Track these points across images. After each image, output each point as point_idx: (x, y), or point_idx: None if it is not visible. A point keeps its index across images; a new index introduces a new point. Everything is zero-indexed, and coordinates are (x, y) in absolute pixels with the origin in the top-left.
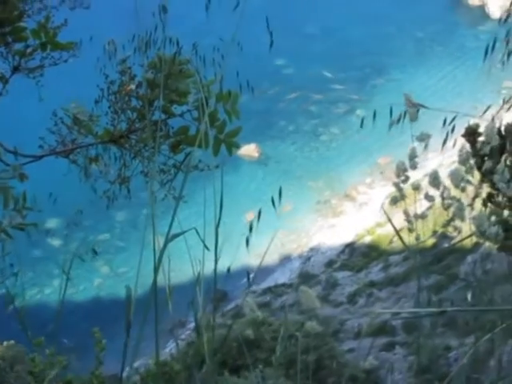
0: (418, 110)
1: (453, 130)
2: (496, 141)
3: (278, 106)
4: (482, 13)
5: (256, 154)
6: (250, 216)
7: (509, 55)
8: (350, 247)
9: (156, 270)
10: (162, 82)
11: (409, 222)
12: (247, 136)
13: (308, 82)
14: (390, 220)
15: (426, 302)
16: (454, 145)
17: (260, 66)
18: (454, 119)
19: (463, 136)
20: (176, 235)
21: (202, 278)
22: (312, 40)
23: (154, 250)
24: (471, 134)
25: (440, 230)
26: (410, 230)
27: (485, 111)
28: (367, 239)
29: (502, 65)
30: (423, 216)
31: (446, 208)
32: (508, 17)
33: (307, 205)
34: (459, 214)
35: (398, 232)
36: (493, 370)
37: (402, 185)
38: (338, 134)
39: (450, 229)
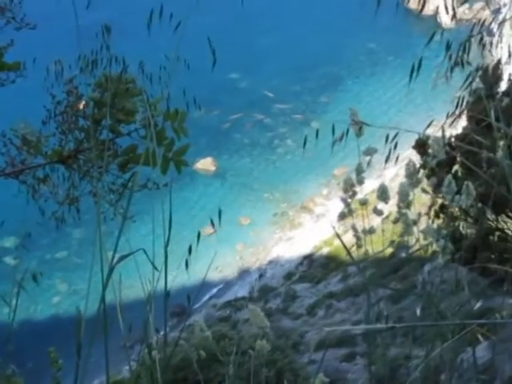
0: (360, 128)
1: (395, 146)
2: (443, 154)
3: (233, 119)
4: (434, 22)
5: (213, 168)
6: (208, 231)
7: (452, 70)
8: (309, 259)
9: (103, 289)
10: (108, 101)
11: (357, 238)
12: (203, 150)
13: (262, 96)
14: (338, 236)
15: (379, 316)
16: (397, 160)
17: (214, 82)
18: (396, 136)
19: (413, 148)
20: (124, 256)
21: (153, 298)
22: (266, 53)
23: (102, 272)
24: (421, 145)
25: (397, 240)
26: (359, 246)
27: (427, 126)
28: (325, 250)
29: (446, 79)
30: (371, 231)
31: (395, 222)
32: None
33: (265, 217)
34: (407, 229)
35: (346, 248)
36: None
37: (349, 200)
38: (293, 146)
39: (407, 238)
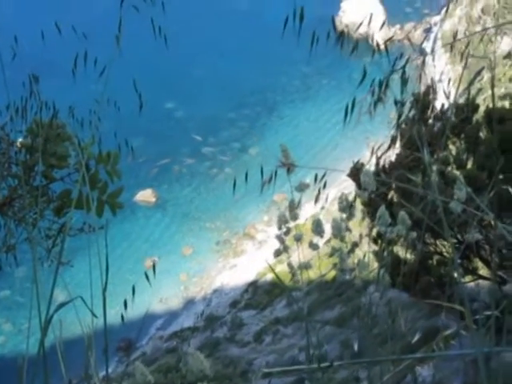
0: (288, 169)
1: (324, 185)
2: (373, 187)
3: (171, 150)
4: (366, 44)
5: (153, 199)
6: (150, 262)
7: (375, 105)
8: (253, 286)
9: (41, 341)
10: (40, 146)
11: (293, 274)
12: (143, 182)
13: (199, 124)
14: (272, 270)
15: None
16: (327, 199)
17: (150, 113)
18: (324, 176)
19: (348, 176)
20: (62, 305)
21: (93, 338)
22: (202, 80)
23: (40, 320)
24: (356, 173)
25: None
26: (295, 282)
27: (354, 165)
28: (269, 277)
29: (370, 114)
30: (307, 266)
31: (330, 256)
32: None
33: (207, 246)
34: (342, 263)
35: (280, 279)
36: None
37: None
38: (232, 173)
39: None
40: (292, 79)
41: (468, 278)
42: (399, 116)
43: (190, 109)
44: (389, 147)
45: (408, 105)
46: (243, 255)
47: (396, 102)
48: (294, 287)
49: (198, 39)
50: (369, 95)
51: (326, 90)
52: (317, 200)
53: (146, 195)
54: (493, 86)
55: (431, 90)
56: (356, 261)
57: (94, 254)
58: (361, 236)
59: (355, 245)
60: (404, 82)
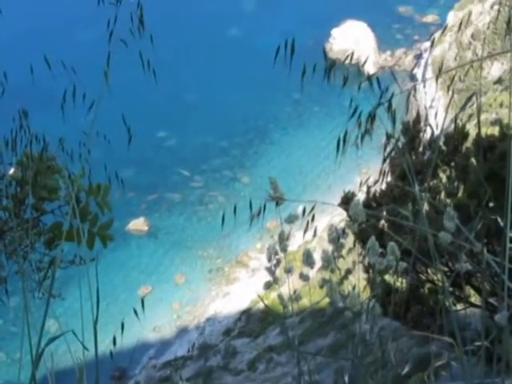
0: (277, 203)
1: (313, 218)
2: (363, 217)
3: (163, 178)
4: (357, 71)
5: (145, 228)
6: (144, 291)
7: (362, 138)
8: (246, 314)
9: (33, 369)
10: (30, 179)
11: (284, 306)
12: (135, 210)
13: (191, 152)
14: (263, 302)
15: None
16: (315, 233)
17: (142, 142)
18: (312, 209)
19: (339, 205)
20: (53, 339)
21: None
22: (194, 109)
23: (31, 355)
24: (346, 202)
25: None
26: (285, 314)
27: (345, 195)
28: (262, 304)
29: (356, 147)
30: (298, 298)
31: (321, 287)
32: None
33: (200, 274)
34: (332, 295)
35: (271, 309)
36: None
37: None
38: (224, 201)
39: (344, 287)
40: (283, 106)
41: (460, 306)
42: (388, 150)
43: (182, 137)
44: (377, 181)
45: (397, 136)
46: (236, 283)
47: (387, 136)
48: (286, 316)
49: (189, 67)
50: (356, 127)
51: (317, 117)
52: (305, 232)
53: (138, 224)
54: (479, 115)
55: (422, 117)
56: (349, 287)
57: (86, 285)
58: (354, 263)
59: (348, 272)
60: (392, 115)
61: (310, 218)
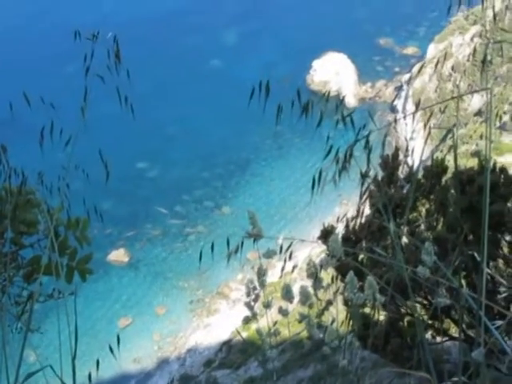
0: (254, 240)
1: (290, 256)
2: (342, 254)
3: (144, 209)
4: (338, 102)
5: (126, 259)
6: (124, 322)
7: (340, 174)
8: (227, 345)
9: None
10: (9, 213)
11: (262, 341)
12: (116, 241)
13: (172, 184)
14: (240, 335)
15: None
16: (293, 269)
17: (121, 171)
18: (290, 246)
19: (319, 238)
20: (31, 374)
21: None
22: (174, 140)
23: None
24: (326, 236)
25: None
26: (264, 348)
27: (324, 228)
28: (243, 335)
29: (334, 183)
30: (276, 333)
31: (299, 322)
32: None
33: (181, 305)
34: (310, 329)
35: (249, 342)
36: None
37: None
38: (205, 232)
39: (324, 318)
40: (264, 138)
41: (440, 339)
42: (364, 188)
43: (163, 169)
44: (356, 216)
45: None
46: (217, 314)
47: (362, 175)
48: (264, 349)
49: (170, 99)
50: (333, 164)
51: (297, 148)
52: (283, 270)
53: (119, 255)
54: (455, 150)
55: (402, 149)
56: (329, 320)
57: (65, 319)
58: (335, 294)
59: (329, 303)
60: (368, 152)
61: (287, 256)
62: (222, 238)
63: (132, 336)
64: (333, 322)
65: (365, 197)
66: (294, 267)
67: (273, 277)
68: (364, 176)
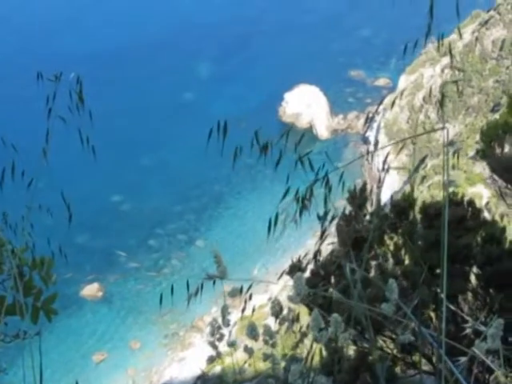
0: (214, 281)
1: (250, 297)
2: (305, 292)
3: (118, 243)
4: (310, 134)
5: (99, 293)
6: (98, 357)
7: (300, 213)
8: (202, 379)
9: None
10: None
11: (225, 382)
12: (89, 275)
13: (146, 217)
14: (205, 374)
15: None
16: (253, 311)
17: (95, 206)
18: (250, 287)
19: (287, 274)
20: None
21: None
22: (148, 173)
23: None
24: (294, 271)
25: (290, 353)
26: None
27: (293, 263)
28: (218, 369)
29: (295, 223)
30: (241, 372)
31: (265, 360)
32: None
33: (155, 339)
34: (274, 368)
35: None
36: None
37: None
38: (179, 266)
39: (299, 350)
40: (237, 170)
41: (411, 372)
42: (323, 232)
43: (137, 202)
44: (315, 256)
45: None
46: (191, 348)
47: (319, 217)
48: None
49: (144, 132)
50: (294, 203)
51: (270, 180)
52: (243, 311)
53: (92, 289)
54: (412, 191)
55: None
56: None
57: (35, 359)
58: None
59: (304, 335)
60: (328, 191)
61: (247, 297)
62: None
63: (107, 371)
64: (303, 359)
65: (324, 236)
66: (269, 299)
67: (247, 310)
68: (323, 216)
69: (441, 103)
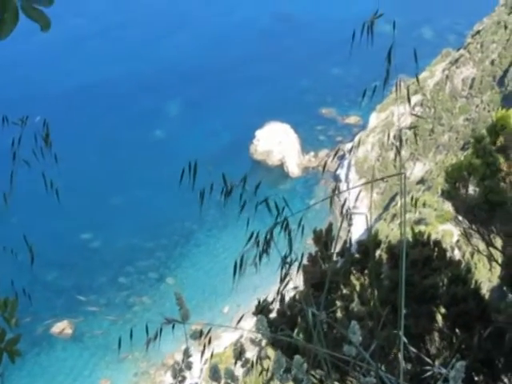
0: (173, 326)
1: (209, 341)
2: (268, 334)
3: (88, 280)
4: (281, 172)
5: (70, 331)
6: None
7: (260, 258)
8: None
9: None
10: None
11: None
12: (59, 313)
13: (116, 254)
14: None
15: None
16: (212, 357)
17: (65, 245)
18: (209, 332)
19: (254, 314)
20: None
21: None
22: (118, 211)
23: None
24: (261, 312)
25: None
26: None
27: (259, 304)
28: None
29: (255, 266)
30: None
31: None
32: None
33: (125, 378)
34: None
35: None
36: None
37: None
38: (149, 303)
39: None
40: (208, 208)
41: None
42: (284, 276)
43: (107, 239)
44: (275, 299)
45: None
46: None
47: (283, 262)
48: None
49: (114, 170)
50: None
51: (242, 217)
52: (202, 355)
53: (62, 327)
54: (369, 236)
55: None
56: None
57: None
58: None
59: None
60: (289, 234)
61: (206, 342)
62: (167, 309)
63: None
64: None
65: (285, 281)
66: (241, 337)
67: (218, 348)
68: (283, 259)
69: (398, 150)
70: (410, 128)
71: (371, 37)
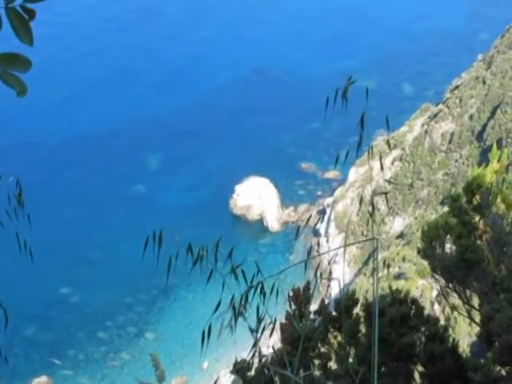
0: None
1: None
2: None
3: (67, 335)
4: (261, 226)
5: None
6: None
7: (236, 320)
8: None
9: None
10: None
11: None
12: (38, 369)
13: (95, 309)
14: None
15: None
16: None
17: (45, 297)
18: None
19: (231, 372)
20: None
21: None
22: (97, 265)
23: None
24: (238, 370)
25: None
26: None
27: (233, 367)
28: None
29: (231, 330)
30: None
31: None
32: None
33: None
34: None
35: None
36: None
37: None
38: (128, 359)
39: None
40: (188, 262)
41: None
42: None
43: (86, 294)
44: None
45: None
46: None
47: (251, 330)
48: None
49: (94, 224)
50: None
51: (222, 273)
52: None
53: (41, 383)
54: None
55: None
56: None
57: None
58: None
59: None
60: (263, 296)
61: None
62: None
63: None
64: None
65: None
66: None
67: None
68: (257, 323)
69: (370, 214)
70: (382, 193)
71: (345, 102)
